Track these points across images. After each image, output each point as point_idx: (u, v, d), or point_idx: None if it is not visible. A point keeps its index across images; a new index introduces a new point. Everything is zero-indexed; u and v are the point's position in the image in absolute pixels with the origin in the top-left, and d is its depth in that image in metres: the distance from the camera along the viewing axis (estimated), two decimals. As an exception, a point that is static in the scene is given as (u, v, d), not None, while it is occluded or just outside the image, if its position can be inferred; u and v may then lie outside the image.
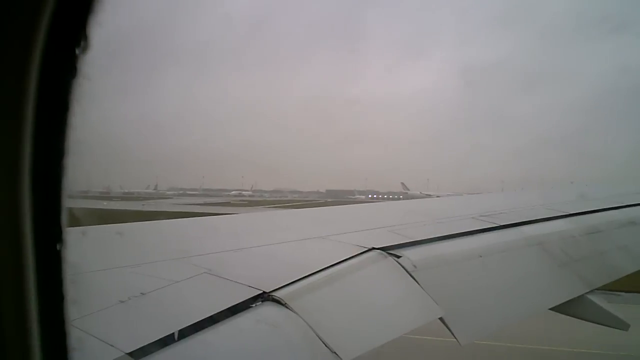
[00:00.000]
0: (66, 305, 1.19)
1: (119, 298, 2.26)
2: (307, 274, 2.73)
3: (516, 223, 4.42)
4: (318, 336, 2.27)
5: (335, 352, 2.22)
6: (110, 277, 2.62)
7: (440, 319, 2.84)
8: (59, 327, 1.19)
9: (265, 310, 2.35)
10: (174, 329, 2.05)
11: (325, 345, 2.24)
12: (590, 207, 5.28)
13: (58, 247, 1.15)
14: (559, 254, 4.09)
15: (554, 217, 4.84)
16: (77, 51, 1.07)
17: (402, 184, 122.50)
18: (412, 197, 78.33)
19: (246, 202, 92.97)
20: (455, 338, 2.80)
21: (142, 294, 2.34)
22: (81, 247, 2.97)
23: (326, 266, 2.89)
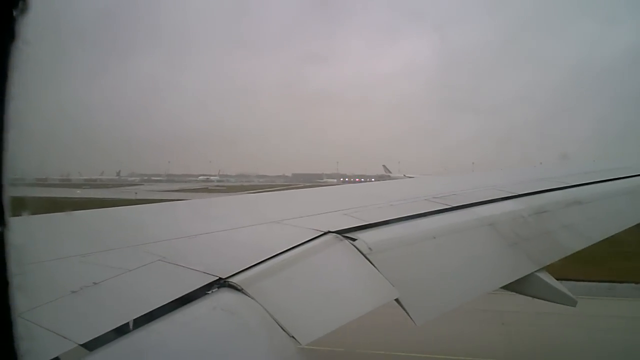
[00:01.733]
0: (11, 291, 1.14)
1: (71, 288, 2.21)
2: (263, 259, 2.74)
3: (468, 204, 4.54)
4: (275, 321, 2.28)
5: (293, 336, 2.24)
6: (63, 267, 2.57)
7: (397, 300, 2.90)
8: (4, 313, 1.15)
9: (222, 296, 2.34)
10: (129, 318, 2.03)
11: (283, 330, 2.26)
12: (539, 187, 5.46)
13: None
14: (509, 234, 4.23)
15: (504, 197, 4.98)
16: (14, 12, 0.98)
17: (384, 166, 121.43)
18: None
19: (225, 188, 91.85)
20: (411, 318, 2.87)
21: (95, 283, 2.30)
22: (33, 236, 2.91)
23: (282, 251, 2.90)
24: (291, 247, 2.99)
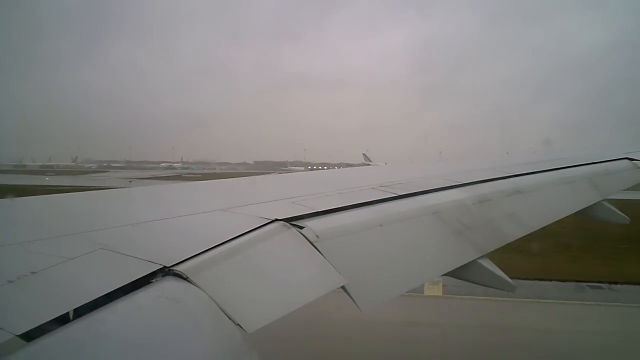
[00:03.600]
0: None
1: (7, 277, 2.14)
2: (209, 247, 2.72)
3: (413, 193, 4.65)
4: (221, 309, 2.28)
5: (239, 324, 2.24)
6: None
7: (343, 287, 2.95)
8: None
9: (166, 285, 2.32)
10: (68, 308, 1.99)
11: (229, 318, 2.25)
12: (484, 176, 5.63)
13: None
14: (453, 222, 4.35)
15: (449, 187, 5.12)
16: None
17: (364, 154, 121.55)
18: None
19: (200, 175, 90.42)
20: (356, 304, 2.94)
21: (33, 272, 2.23)
22: None
23: (228, 239, 2.89)
24: (238, 235, 2.98)
